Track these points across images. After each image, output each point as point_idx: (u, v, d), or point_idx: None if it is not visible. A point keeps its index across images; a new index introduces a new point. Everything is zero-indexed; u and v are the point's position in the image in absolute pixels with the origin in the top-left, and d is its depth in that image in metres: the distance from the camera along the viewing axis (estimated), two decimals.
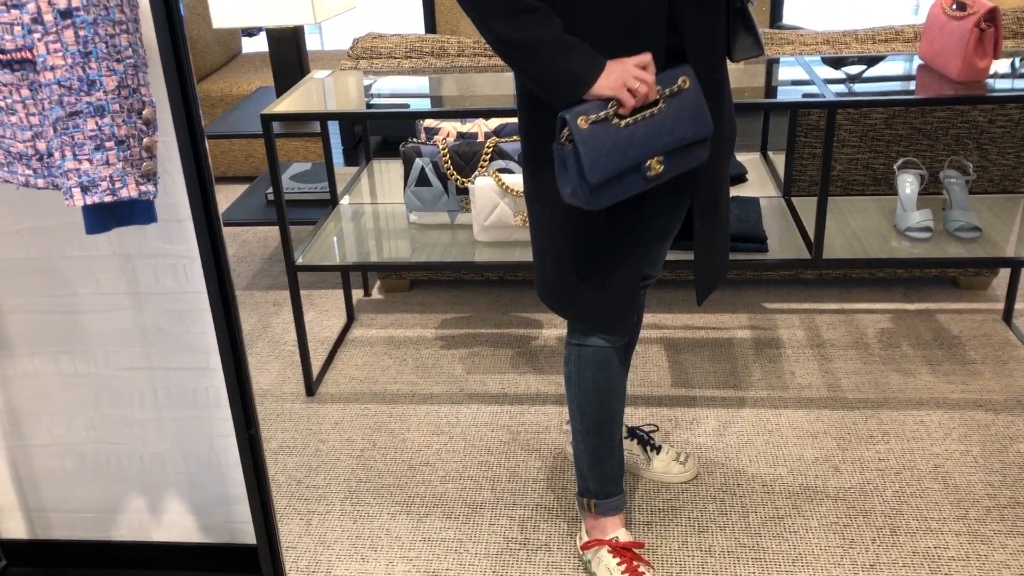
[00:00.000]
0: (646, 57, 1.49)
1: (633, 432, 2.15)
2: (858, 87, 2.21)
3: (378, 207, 2.79)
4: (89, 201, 1.09)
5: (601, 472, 1.84)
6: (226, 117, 3.21)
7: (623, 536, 1.86)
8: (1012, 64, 2.31)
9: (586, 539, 1.89)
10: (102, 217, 1.13)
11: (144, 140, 1.13)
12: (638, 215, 1.62)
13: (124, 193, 1.10)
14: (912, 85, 2.22)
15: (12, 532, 1.93)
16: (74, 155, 1.07)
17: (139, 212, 1.16)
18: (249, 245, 3.52)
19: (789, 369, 2.53)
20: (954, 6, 2.18)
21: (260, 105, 3.28)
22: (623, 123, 1.49)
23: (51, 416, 1.82)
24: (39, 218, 1.65)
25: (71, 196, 1.08)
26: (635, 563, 1.81)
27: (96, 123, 1.08)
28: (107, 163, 1.09)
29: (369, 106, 2.34)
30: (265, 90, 3.51)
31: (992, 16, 2.09)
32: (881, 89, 2.20)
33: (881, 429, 2.27)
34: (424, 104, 2.36)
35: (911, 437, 2.23)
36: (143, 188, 1.12)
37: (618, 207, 1.60)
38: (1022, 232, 2.40)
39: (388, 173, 3.03)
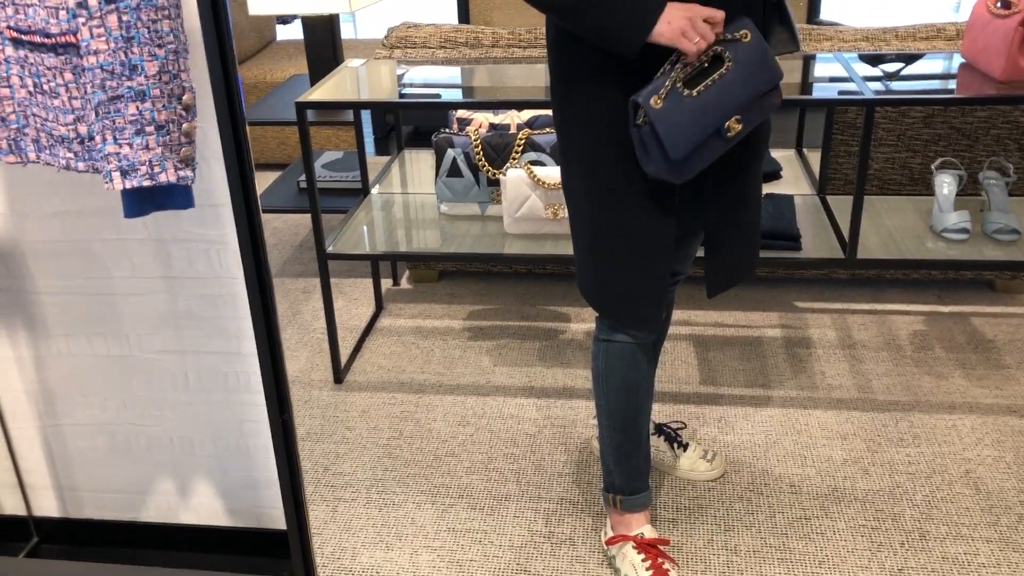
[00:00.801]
0: (719, 14, 1.44)
1: (660, 429, 2.14)
2: (897, 85, 2.18)
3: (409, 197, 2.80)
4: (128, 185, 1.10)
5: (627, 468, 1.83)
6: (260, 104, 3.22)
7: (648, 532, 1.85)
8: None
9: (611, 535, 1.89)
10: (140, 201, 1.14)
11: (183, 126, 1.14)
12: (667, 210, 1.61)
13: (163, 178, 1.11)
14: (953, 84, 2.19)
15: (44, 510, 1.96)
16: (115, 139, 1.08)
17: (177, 197, 1.17)
18: (280, 232, 3.54)
19: (819, 369, 2.51)
20: (999, 4, 2.14)
21: (294, 93, 3.30)
22: (695, 92, 1.46)
23: (84, 396, 1.84)
24: (76, 201, 1.66)
25: (111, 180, 1.09)
26: (660, 560, 1.80)
27: (137, 108, 1.08)
28: (147, 148, 1.09)
29: (402, 96, 2.34)
30: (299, 78, 3.53)
31: None
32: (920, 87, 2.16)
33: (912, 432, 2.24)
34: (457, 95, 2.36)
35: (942, 441, 2.21)
36: (181, 173, 1.12)
37: (647, 203, 1.58)
38: None
39: (419, 163, 3.03)
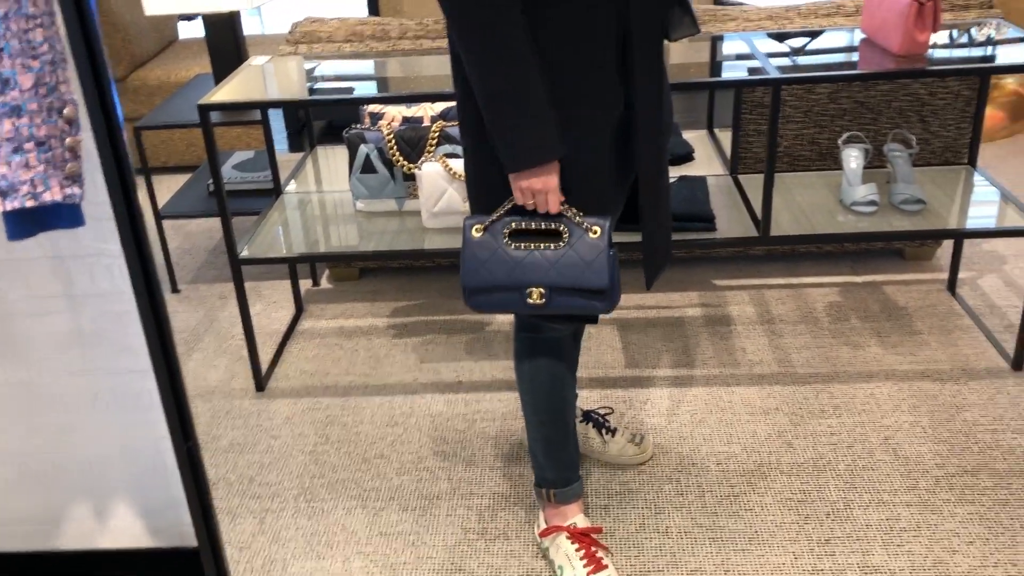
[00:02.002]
0: (555, 200, 1.53)
1: (588, 416, 2.14)
2: (802, 62, 2.21)
3: (324, 195, 2.74)
4: (10, 207, 1.04)
5: (557, 460, 1.83)
6: (164, 107, 3.12)
7: (581, 522, 1.85)
8: (951, 36, 2.32)
9: (544, 526, 1.88)
10: (24, 222, 1.08)
11: (67, 140, 1.08)
12: (579, 196, 1.60)
13: (47, 197, 1.05)
14: (855, 59, 2.23)
15: None
16: None
17: (65, 216, 1.11)
18: (193, 237, 3.44)
19: (740, 346, 2.54)
20: None
21: (199, 93, 3.20)
22: (513, 245, 1.57)
23: None
24: None
25: None
26: (593, 548, 1.81)
27: (13, 124, 1.02)
28: (27, 166, 1.03)
29: (312, 92, 2.28)
30: (204, 77, 3.42)
31: None
32: (824, 63, 2.20)
33: (832, 403, 2.29)
34: (368, 89, 2.31)
35: (862, 410, 2.26)
36: (68, 191, 1.07)
37: (563, 187, 1.57)
38: (964, 203, 2.43)
39: (334, 159, 2.98)
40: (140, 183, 3.87)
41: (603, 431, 2.13)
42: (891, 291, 2.77)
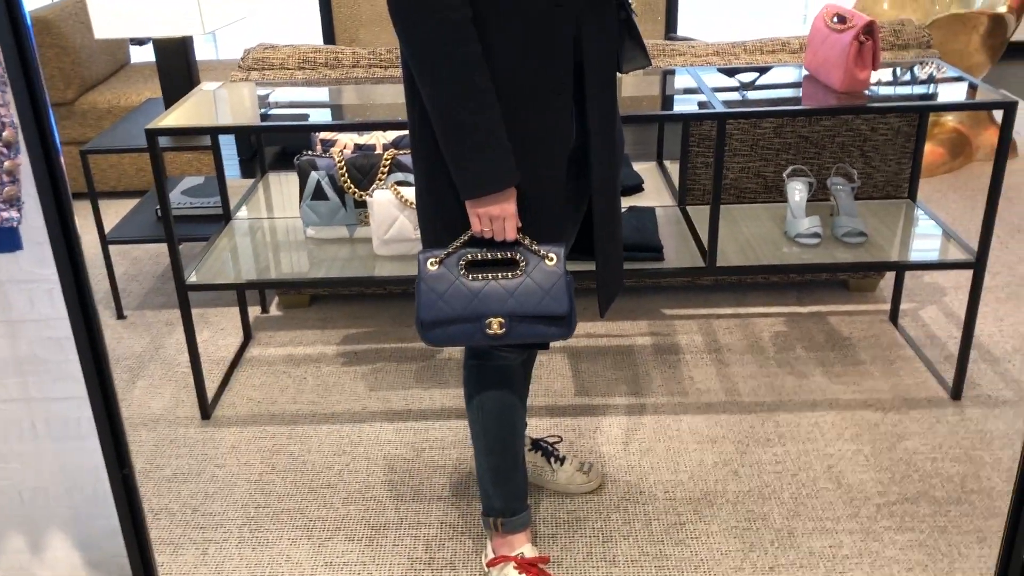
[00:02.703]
0: (512, 227, 1.54)
1: (536, 444, 2.14)
2: (747, 97, 2.26)
3: (274, 222, 2.72)
4: None
5: (506, 490, 1.83)
6: (113, 130, 3.09)
7: (528, 552, 1.85)
8: (893, 75, 2.40)
9: (492, 556, 1.87)
10: None
11: (5, 164, 1.07)
12: (535, 224, 1.61)
13: None
14: (799, 95, 2.29)
15: None
16: None
17: (2, 240, 1.10)
18: (140, 263, 3.39)
19: (688, 374, 2.57)
20: (835, 19, 2.25)
21: (149, 117, 3.17)
22: (470, 276, 1.57)
23: None
24: None
25: None
26: None
27: None
28: None
29: (264, 118, 2.28)
30: (155, 101, 3.39)
31: (870, 29, 2.16)
32: (769, 98, 2.25)
33: (777, 432, 2.32)
34: (319, 116, 2.31)
35: (806, 439, 2.29)
36: (5, 215, 1.05)
37: (519, 215, 1.59)
38: (905, 236, 2.49)
39: (285, 186, 2.96)
40: (87, 207, 3.82)
41: (552, 459, 2.13)
42: (835, 322, 2.82)
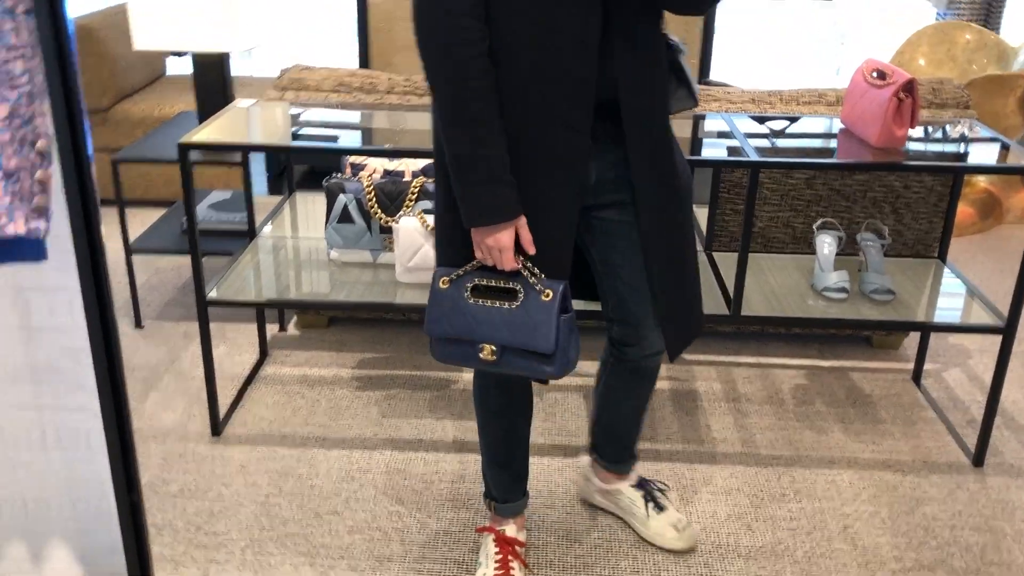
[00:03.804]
0: (509, 257, 1.58)
1: (643, 483, 2.10)
2: (781, 147, 2.24)
3: (299, 241, 2.72)
4: None
5: (500, 480, 1.95)
6: (145, 141, 3.10)
7: (511, 531, 1.98)
8: (926, 133, 2.37)
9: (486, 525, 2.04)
10: None
11: (37, 173, 1.06)
12: (540, 257, 1.64)
13: (10, 229, 1.03)
14: (833, 147, 2.27)
15: None
16: None
17: (27, 249, 1.09)
18: (163, 273, 3.40)
19: (705, 422, 2.53)
20: (875, 74, 2.23)
21: (181, 130, 3.19)
22: (472, 300, 1.61)
23: None
24: None
25: None
26: (509, 557, 1.92)
27: None
28: None
29: (296, 137, 2.28)
30: (188, 114, 3.42)
31: (910, 87, 2.14)
32: (803, 148, 2.23)
33: (793, 487, 2.27)
34: (351, 139, 2.31)
35: (822, 496, 2.24)
36: (32, 225, 1.05)
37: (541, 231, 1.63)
38: (932, 296, 2.45)
39: (312, 205, 2.96)
40: (114, 215, 3.84)
41: (650, 504, 2.07)
42: (857, 378, 2.78)
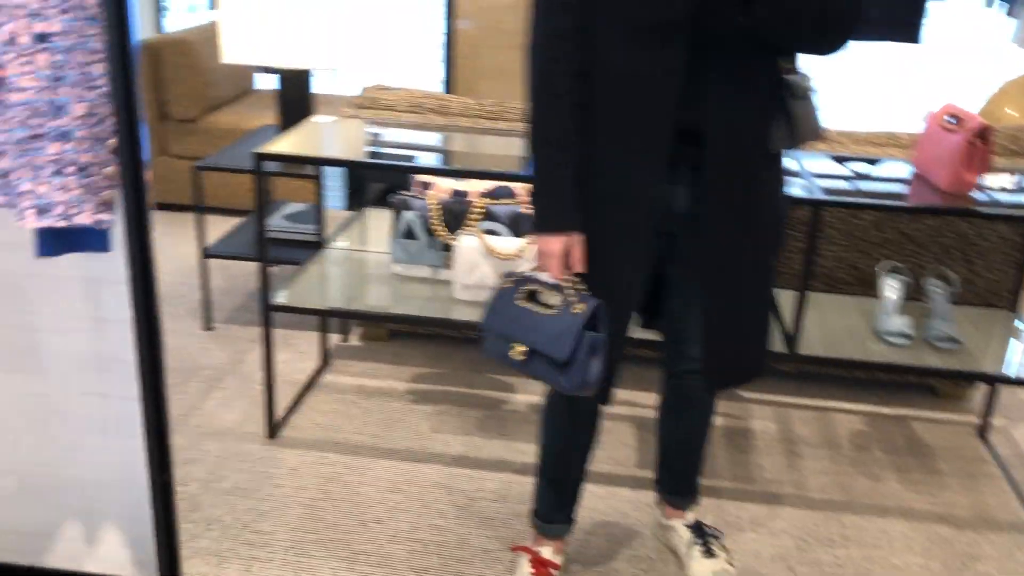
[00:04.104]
0: (555, 266, 1.65)
1: (698, 525, 2.08)
2: (848, 188, 2.21)
3: (365, 255, 2.79)
4: (42, 224, 1.08)
5: (547, 499, 1.98)
6: (228, 150, 3.23)
7: (547, 553, 1.98)
8: (1004, 180, 2.32)
9: (523, 544, 2.05)
10: (54, 241, 1.13)
11: (107, 169, 1.13)
12: (590, 274, 1.68)
13: (79, 220, 1.10)
14: (902, 191, 2.23)
15: None
16: (33, 177, 1.07)
17: (94, 240, 1.16)
18: (235, 279, 3.51)
19: (757, 461, 2.50)
20: (949, 119, 2.20)
21: (261, 142, 3.30)
22: (517, 300, 1.68)
23: None
24: (13, 233, 1.64)
25: (23, 217, 1.07)
26: None
27: (59, 148, 1.07)
28: (65, 188, 1.08)
29: (371, 155, 2.34)
30: (270, 128, 3.54)
31: (984, 133, 2.10)
32: (871, 190, 2.20)
33: (842, 533, 2.22)
34: (419, 158, 2.37)
35: (872, 544, 2.19)
36: (99, 216, 1.11)
37: (606, 259, 1.68)
38: (1001, 348, 2.38)
39: (382, 221, 3.03)
40: (192, 220, 3.99)
41: (700, 547, 2.04)
42: (919, 427, 2.70)
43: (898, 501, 2.36)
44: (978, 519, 2.30)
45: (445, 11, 4.73)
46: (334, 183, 4.80)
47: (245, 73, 4.65)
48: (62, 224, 1.08)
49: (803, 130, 1.64)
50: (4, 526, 1.86)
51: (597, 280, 1.67)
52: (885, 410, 2.79)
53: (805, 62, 1.67)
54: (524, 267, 1.75)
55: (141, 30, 5.67)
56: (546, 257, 1.65)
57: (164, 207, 4.19)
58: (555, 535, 2.00)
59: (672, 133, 1.57)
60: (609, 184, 1.63)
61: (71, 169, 1.08)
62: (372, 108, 2.91)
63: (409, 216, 2.57)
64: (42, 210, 1.08)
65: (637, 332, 1.91)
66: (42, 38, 1.04)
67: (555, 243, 1.63)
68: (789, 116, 1.63)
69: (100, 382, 1.74)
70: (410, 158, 2.34)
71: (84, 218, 1.09)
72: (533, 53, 1.60)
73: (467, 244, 2.43)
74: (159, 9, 6.05)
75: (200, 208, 3.01)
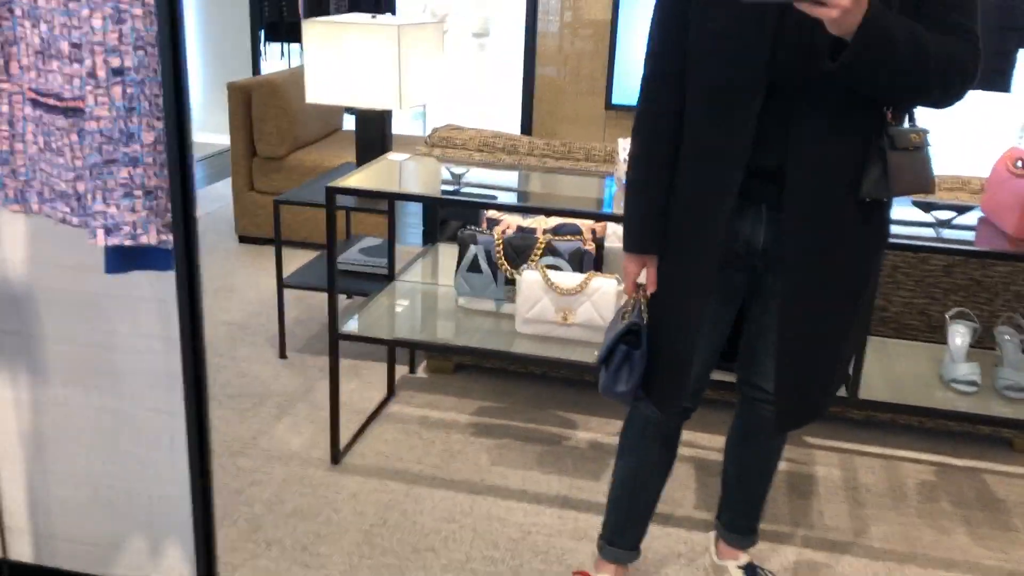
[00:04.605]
0: (628, 282, 1.80)
1: (752, 568, 2.09)
2: (916, 232, 2.18)
3: (433, 288, 2.86)
4: (110, 242, 1.17)
5: (615, 519, 2.00)
6: (307, 186, 3.36)
7: None
8: None
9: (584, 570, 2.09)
10: (122, 259, 1.21)
11: None
12: (659, 296, 1.78)
13: (144, 239, 1.18)
14: (970, 236, 2.19)
15: (20, 555, 2.00)
16: (104, 199, 1.16)
17: (157, 258, 1.24)
18: (311, 310, 3.63)
19: (819, 508, 2.45)
20: (1017, 163, 2.16)
21: (338, 177, 3.42)
22: (620, 314, 1.83)
23: (73, 445, 1.90)
24: (92, 255, 1.75)
25: (94, 235, 1.16)
26: None
27: (129, 172, 1.16)
28: (133, 210, 1.17)
29: (444, 192, 2.41)
30: (349, 165, 3.67)
31: None
32: (939, 235, 2.16)
33: None
34: (487, 195, 2.42)
35: None
36: (163, 237, 1.19)
37: (683, 283, 1.75)
38: None
39: (450, 256, 3.11)
40: (270, 253, 4.14)
41: None
42: (991, 480, 2.61)
43: (965, 556, 2.28)
44: None
45: (525, 56, 4.84)
46: (413, 220, 4.93)
47: (333, 113, 4.83)
48: (129, 243, 1.16)
49: (900, 181, 1.59)
50: (77, 535, 1.96)
51: (662, 303, 1.76)
52: (956, 461, 2.70)
53: (923, 114, 1.65)
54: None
55: (237, 73, 5.96)
56: (624, 274, 1.80)
57: (247, 240, 4.37)
58: (615, 559, 2.01)
59: (743, 173, 1.59)
60: (684, 216, 1.69)
61: (139, 192, 1.17)
62: (444, 147, 3.00)
63: (475, 250, 2.63)
64: (111, 230, 1.17)
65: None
66: (118, 72, 1.14)
67: (632, 264, 1.77)
68: (886, 165, 1.59)
69: (168, 400, 1.83)
70: (472, 194, 2.40)
71: (149, 238, 1.18)
72: (639, 92, 1.74)
73: (529, 278, 2.47)
74: (257, 55, 6.36)
75: (278, 241, 3.13)
